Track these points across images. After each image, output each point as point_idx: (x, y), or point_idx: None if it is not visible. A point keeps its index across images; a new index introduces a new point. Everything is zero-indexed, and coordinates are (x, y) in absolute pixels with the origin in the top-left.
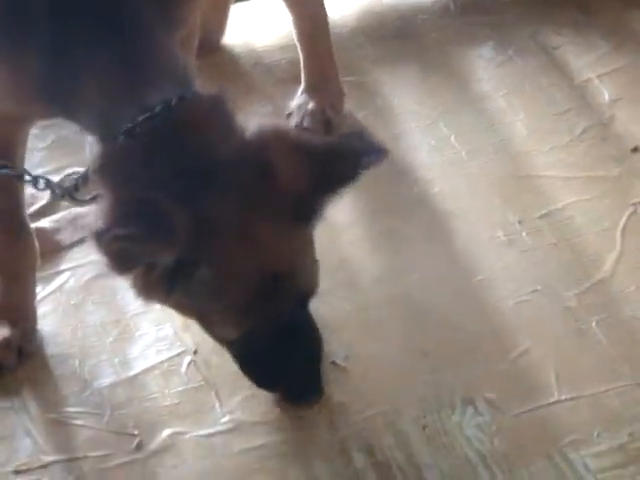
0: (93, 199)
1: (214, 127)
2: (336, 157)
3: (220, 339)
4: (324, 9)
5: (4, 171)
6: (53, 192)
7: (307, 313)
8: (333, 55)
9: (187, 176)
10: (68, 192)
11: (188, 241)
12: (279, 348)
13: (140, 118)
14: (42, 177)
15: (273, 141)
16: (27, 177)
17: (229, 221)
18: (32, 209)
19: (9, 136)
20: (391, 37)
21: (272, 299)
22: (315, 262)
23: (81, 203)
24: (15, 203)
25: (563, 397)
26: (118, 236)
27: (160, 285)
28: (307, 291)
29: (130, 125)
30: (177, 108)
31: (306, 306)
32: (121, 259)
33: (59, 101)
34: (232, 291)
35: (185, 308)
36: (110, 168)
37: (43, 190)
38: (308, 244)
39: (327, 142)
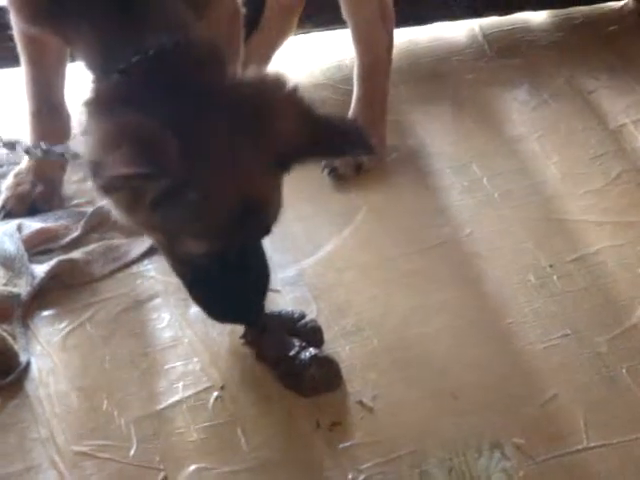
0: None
1: (207, 68)
2: (330, 132)
3: (183, 256)
4: (389, 54)
5: None
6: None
7: (262, 247)
8: (386, 102)
9: (178, 107)
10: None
11: (178, 168)
12: (234, 272)
13: (134, 59)
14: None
15: (274, 89)
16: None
17: (218, 149)
18: (64, 241)
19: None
20: (425, 78)
21: (245, 224)
22: (280, 203)
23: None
24: None
25: (592, 444)
26: (115, 177)
27: (144, 206)
28: (271, 224)
29: (124, 65)
30: (172, 51)
31: (263, 238)
32: (113, 188)
33: (61, 28)
34: (214, 212)
35: (156, 227)
36: (101, 101)
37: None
38: (279, 187)
39: (327, 115)
